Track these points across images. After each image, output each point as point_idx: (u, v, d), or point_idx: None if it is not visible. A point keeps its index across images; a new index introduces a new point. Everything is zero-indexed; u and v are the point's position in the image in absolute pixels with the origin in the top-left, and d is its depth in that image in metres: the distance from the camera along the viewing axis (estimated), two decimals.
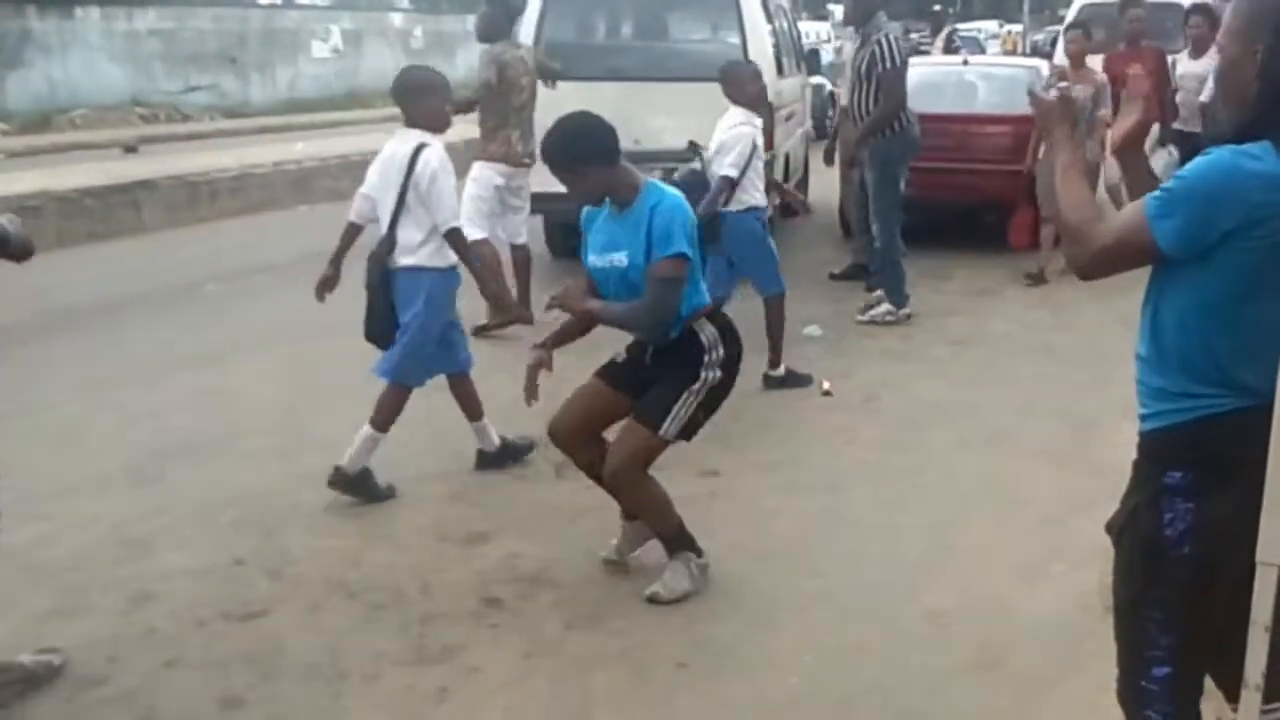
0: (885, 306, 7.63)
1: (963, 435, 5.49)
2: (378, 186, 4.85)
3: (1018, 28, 30.14)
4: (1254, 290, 2.13)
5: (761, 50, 9.03)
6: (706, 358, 3.83)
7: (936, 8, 9.78)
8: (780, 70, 9.42)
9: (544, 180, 9.00)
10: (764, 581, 4.06)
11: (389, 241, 4.80)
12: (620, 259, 3.82)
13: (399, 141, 4.81)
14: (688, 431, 3.89)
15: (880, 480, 4.99)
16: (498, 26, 7.45)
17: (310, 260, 9.35)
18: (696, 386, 3.82)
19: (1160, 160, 8.49)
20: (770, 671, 3.50)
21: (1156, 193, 2.16)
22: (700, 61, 7.86)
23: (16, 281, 8.55)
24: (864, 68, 7.41)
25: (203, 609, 3.86)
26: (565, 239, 9.62)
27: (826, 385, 6.16)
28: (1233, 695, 2.28)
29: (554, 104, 8.50)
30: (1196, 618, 2.26)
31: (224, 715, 3.31)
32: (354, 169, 13.47)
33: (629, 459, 3.83)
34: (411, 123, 4.82)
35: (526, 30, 9.27)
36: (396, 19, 29.82)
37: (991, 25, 30.37)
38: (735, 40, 8.82)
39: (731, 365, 3.90)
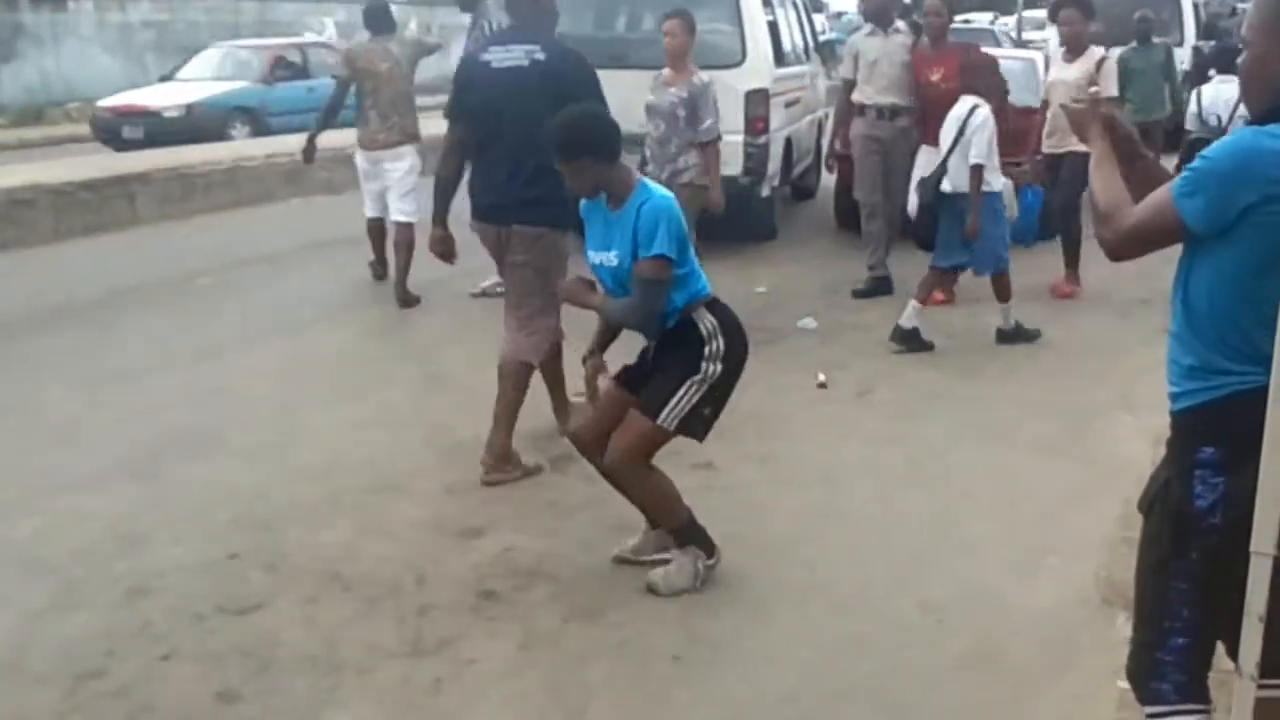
0: (492, 279, 7.67)
1: (958, 428, 5.50)
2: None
3: (1012, 19, 29.89)
4: (1276, 264, 2.21)
5: (757, 40, 9.10)
6: (706, 349, 3.80)
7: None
8: (781, 60, 9.48)
9: None
10: (760, 575, 4.07)
11: (941, 171, 6.60)
12: (611, 258, 3.85)
13: (959, 105, 6.71)
14: (692, 425, 3.85)
15: (876, 473, 4.99)
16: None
17: (304, 252, 9.41)
18: (698, 378, 3.79)
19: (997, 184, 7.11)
20: (766, 665, 3.51)
21: (1183, 173, 2.27)
22: (698, 50, 7.89)
23: (10, 276, 8.56)
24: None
25: (199, 603, 3.86)
26: None
27: (821, 377, 6.16)
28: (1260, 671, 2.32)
29: None
30: (1220, 590, 2.30)
31: (220, 708, 3.32)
32: (347, 162, 13.38)
33: (627, 449, 3.83)
34: (965, 91, 6.77)
35: None
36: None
37: (985, 17, 29.82)
38: (733, 30, 8.91)
39: (733, 358, 3.86)
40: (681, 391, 3.79)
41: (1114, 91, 7.60)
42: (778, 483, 4.86)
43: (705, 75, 6.98)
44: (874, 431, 5.52)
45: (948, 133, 6.68)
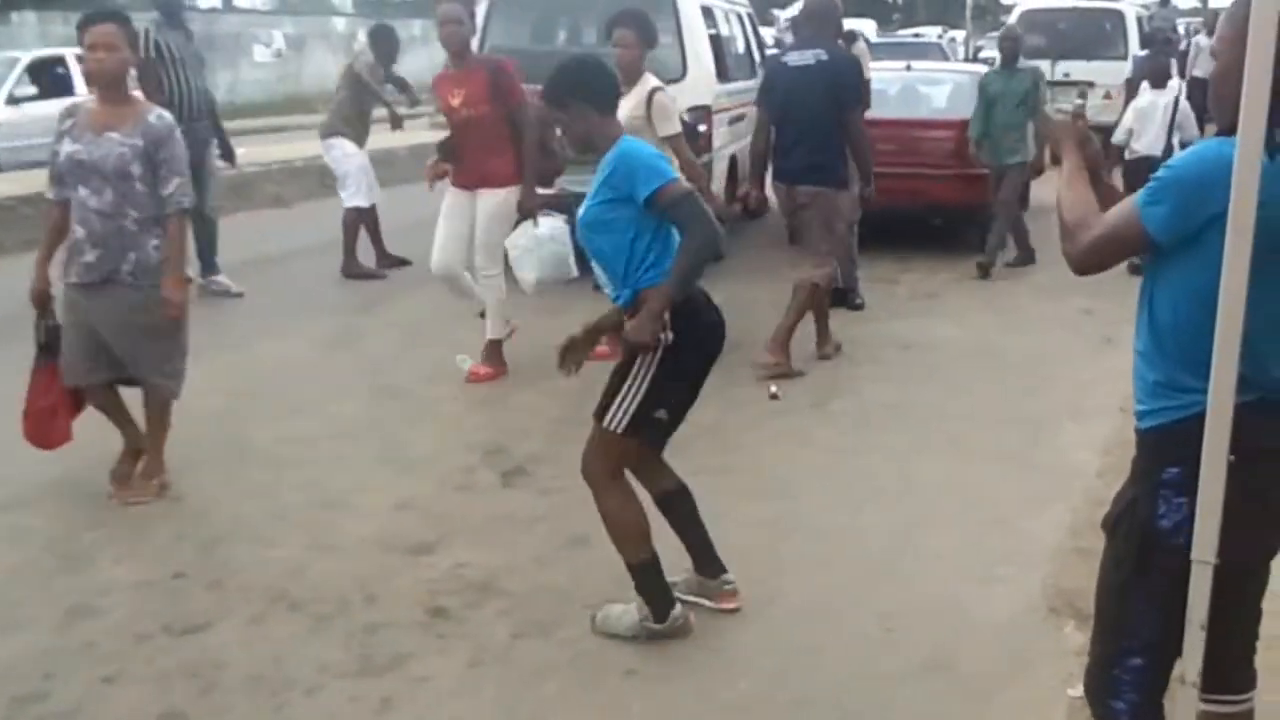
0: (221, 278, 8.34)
1: (912, 439, 5.52)
2: (1140, 120, 9.03)
3: (961, 34, 30.22)
4: None
5: (699, 55, 9.04)
6: None
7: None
8: (724, 75, 9.46)
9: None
10: None
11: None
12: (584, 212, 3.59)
13: (1157, 95, 9.10)
14: (645, 430, 3.52)
15: (832, 484, 5.00)
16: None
17: (251, 267, 9.29)
18: (635, 369, 3.46)
19: (525, 240, 5.89)
20: (722, 676, 3.49)
21: (1150, 181, 2.26)
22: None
23: None
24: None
25: (143, 623, 3.79)
26: None
27: (774, 388, 6.17)
28: (1207, 685, 2.33)
29: None
30: (1179, 612, 2.29)
31: None
32: (298, 174, 13.29)
33: (588, 456, 3.61)
34: (1154, 85, 9.18)
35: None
36: (339, 23, 29.61)
37: (934, 31, 29.93)
38: (673, 44, 8.85)
39: (678, 345, 3.44)
40: (625, 387, 3.47)
41: (670, 130, 6.25)
42: (733, 494, 4.83)
43: (164, 112, 4.66)
44: (829, 442, 5.53)
45: (1154, 118, 8.93)
